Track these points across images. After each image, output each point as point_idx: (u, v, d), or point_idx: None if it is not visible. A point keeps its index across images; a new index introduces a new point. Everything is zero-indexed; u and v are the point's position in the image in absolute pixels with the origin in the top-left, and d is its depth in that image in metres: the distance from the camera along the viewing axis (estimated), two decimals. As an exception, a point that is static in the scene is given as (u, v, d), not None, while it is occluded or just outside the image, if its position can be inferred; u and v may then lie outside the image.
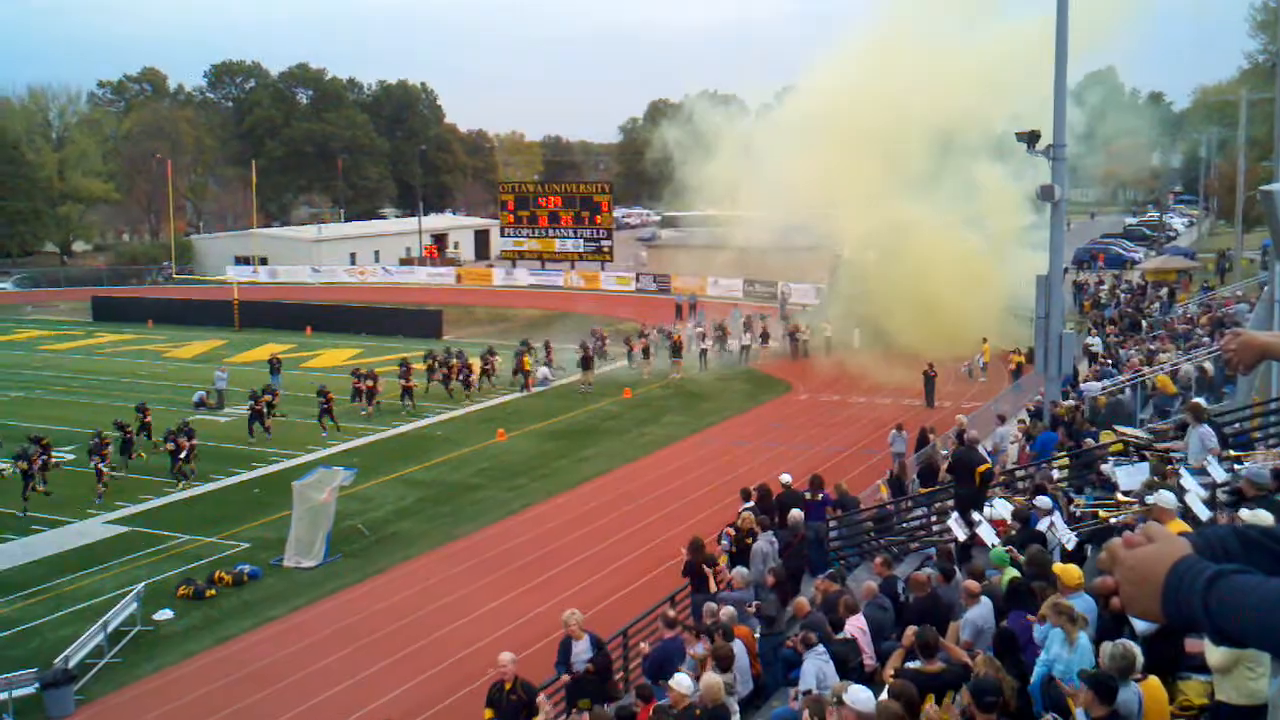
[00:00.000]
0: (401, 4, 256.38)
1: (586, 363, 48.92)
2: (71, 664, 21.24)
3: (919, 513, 23.50)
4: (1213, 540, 2.15)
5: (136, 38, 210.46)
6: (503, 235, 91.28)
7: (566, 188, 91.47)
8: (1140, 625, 9.65)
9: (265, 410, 39.90)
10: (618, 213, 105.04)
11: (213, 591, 26.00)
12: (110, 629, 22.91)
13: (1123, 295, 61.43)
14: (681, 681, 12.64)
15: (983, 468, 19.61)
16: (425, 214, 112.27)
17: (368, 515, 31.57)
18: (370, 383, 43.82)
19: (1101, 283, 67.47)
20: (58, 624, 24.34)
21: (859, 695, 10.05)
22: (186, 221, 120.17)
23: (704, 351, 53.33)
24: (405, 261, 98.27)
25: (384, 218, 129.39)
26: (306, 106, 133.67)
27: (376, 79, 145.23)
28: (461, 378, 47.15)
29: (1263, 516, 9.87)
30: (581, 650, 15.31)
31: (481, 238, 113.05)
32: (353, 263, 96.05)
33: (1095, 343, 43.15)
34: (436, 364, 47.46)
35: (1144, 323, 49.64)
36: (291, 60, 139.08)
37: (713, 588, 18.73)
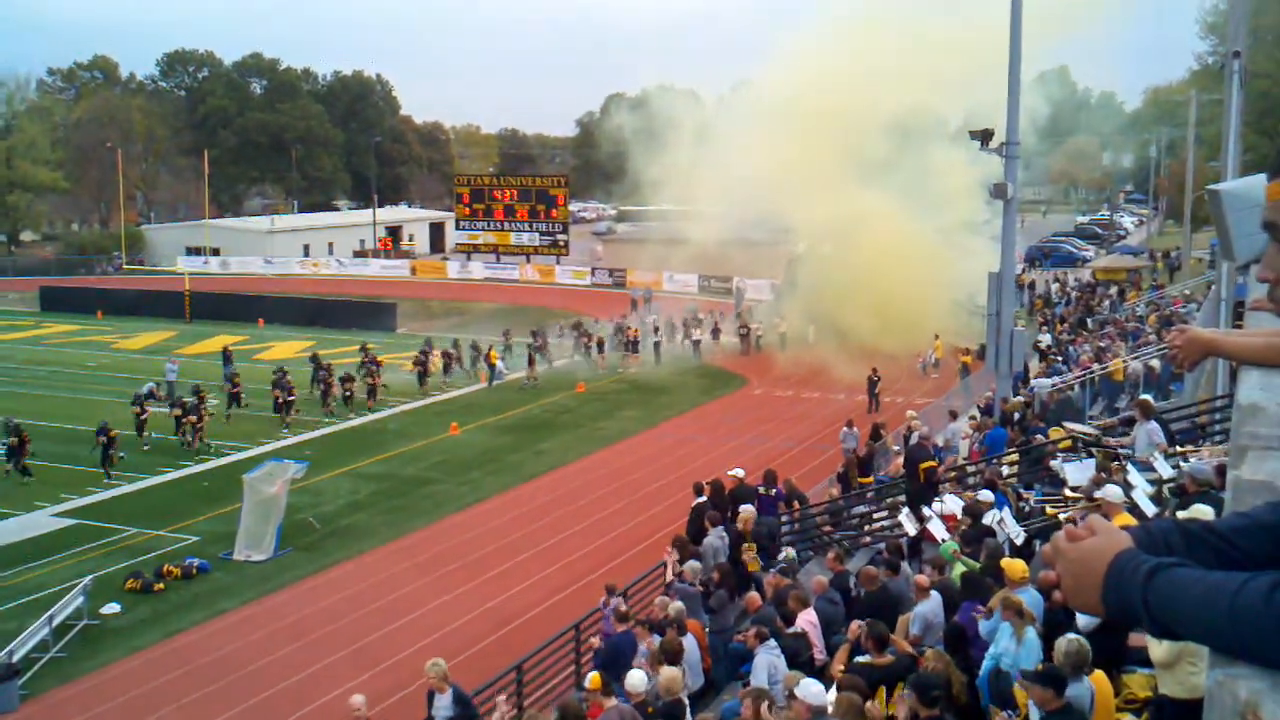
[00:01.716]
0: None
1: (531, 359, 48.92)
2: (16, 658, 21.00)
3: (866, 508, 23.62)
4: (1154, 534, 2.16)
5: (87, 24, 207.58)
6: (458, 228, 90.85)
7: (522, 181, 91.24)
8: (1083, 619, 9.77)
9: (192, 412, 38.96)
10: (574, 207, 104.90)
11: (161, 585, 25.76)
12: (56, 623, 22.63)
13: (1073, 293, 62.07)
14: (635, 678, 12.63)
15: (925, 465, 19.78)
16: (380, 206, 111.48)
17: (320, 509, 31.37)
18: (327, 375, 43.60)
19: (1056, 280, 68.12)
20: (2, 618, 24.02)
21: (810, 689, 10.09)
22: (137, 212, 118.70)
23: (658, 345, 53.37)
24: (359, 254, 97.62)
25: (338, 209, 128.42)
26: (260, 97, 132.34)
27: (331, 69, 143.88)
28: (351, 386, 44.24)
29: (1203, 511, 9.99)
30: (444, 705, 14.36)
31: (436, 230, 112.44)
32: (306, 254, 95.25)
33: (1045, 339, 43.59)
34: (321, 371, 44.63)
35: (1092, 320, 50.18)
36: (245, 50, 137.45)
37: (668, 577, 18.74)
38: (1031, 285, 66.50)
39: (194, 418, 37.47)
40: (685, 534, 20.20)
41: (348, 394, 43.06)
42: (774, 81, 60.70)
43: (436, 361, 48.14)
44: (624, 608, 17.02)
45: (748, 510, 20.11)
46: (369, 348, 48.39)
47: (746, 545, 18.35)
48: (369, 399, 43.60)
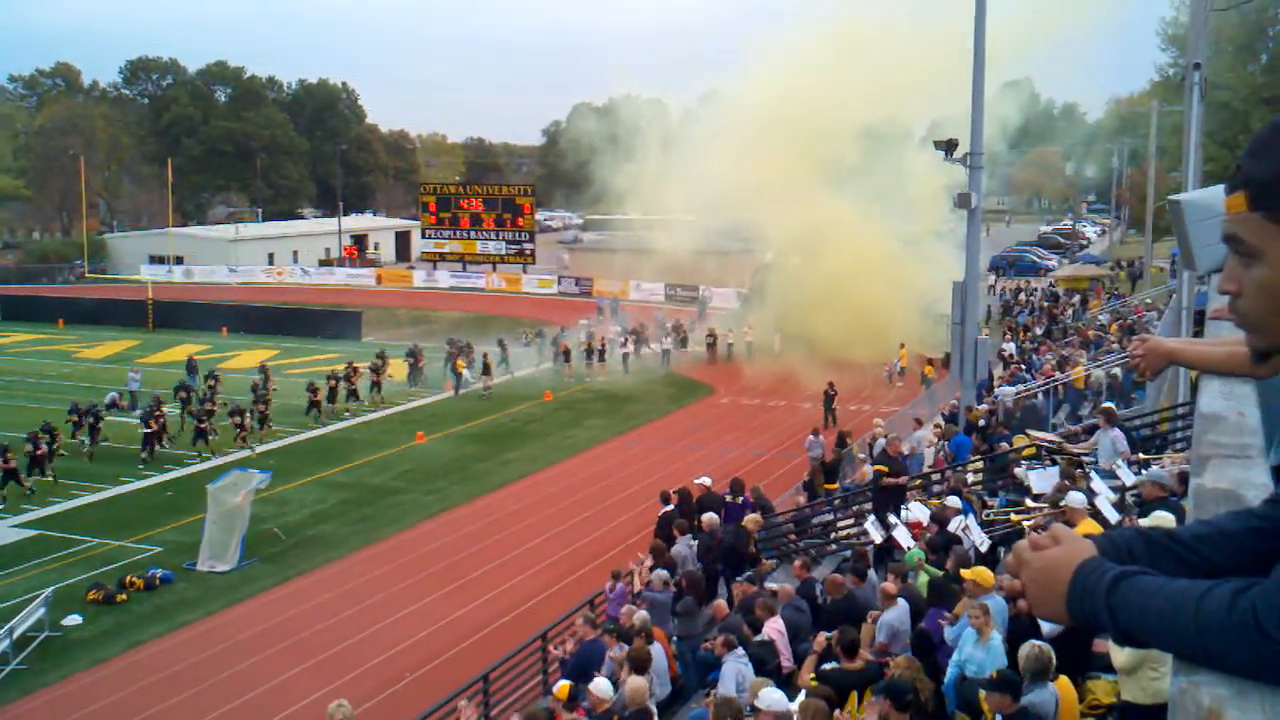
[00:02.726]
0: (322, 3, 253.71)
1: (486, 368, 48.57)
2: (-24, 671, 20.74)
3: (832, 516, 23.69)
4: (1118, 542, 2.18)
5: (50, 31, 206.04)
6: (424, 237, 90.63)
7: (489, 190, 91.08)
8: (1047, 626, 9.85)
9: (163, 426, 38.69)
10: (540, 216, 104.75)
11: (124, 596, 25.53)
12: (16, 635, 22.40)
13: (1038, 302, 62.50)
14: (600, 686, 12.61)
15: (887, 480, 19.94)
16: (345, 215, 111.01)
17: (285, 518, 31.19)
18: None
19: (1020, 289, 68.60)
20: (-38, 630, 23.74)
21: (771, 696, 10.12)
22: (100, 220, 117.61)
23: (626, 355, 53.36)
24: (324, 262, 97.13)
25: (303, 218, 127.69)
26: (225, 105, 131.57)
27: (297, 78, 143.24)
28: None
29: (1164, 518, 10.09)
30: None
31: (402, 239, 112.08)
32: (271, 263, 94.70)
33: (1009, 348, 43.86)
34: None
35: (1055, 329, 50.57)
36: (209, 57, 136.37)
37: (637, 586, 18.73)
38: (1005, 292, 67.23)
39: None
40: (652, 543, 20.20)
41: (316, 401, 43.13)
42: (742, 90, 60.92)
43: (399, 371, 48.13)
44: (592, 615, 17.01)
45: (712, 518, 20.13)
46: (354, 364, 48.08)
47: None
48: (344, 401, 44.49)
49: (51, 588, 24.74)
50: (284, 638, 23.57)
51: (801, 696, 10.75)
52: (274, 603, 25.62)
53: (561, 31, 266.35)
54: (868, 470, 24.59)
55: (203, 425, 37.59)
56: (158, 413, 37.95)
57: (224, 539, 27.80)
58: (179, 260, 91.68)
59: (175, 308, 69.03)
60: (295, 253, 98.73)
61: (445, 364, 50.07)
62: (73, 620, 24.19)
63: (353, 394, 44.95)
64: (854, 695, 11.02)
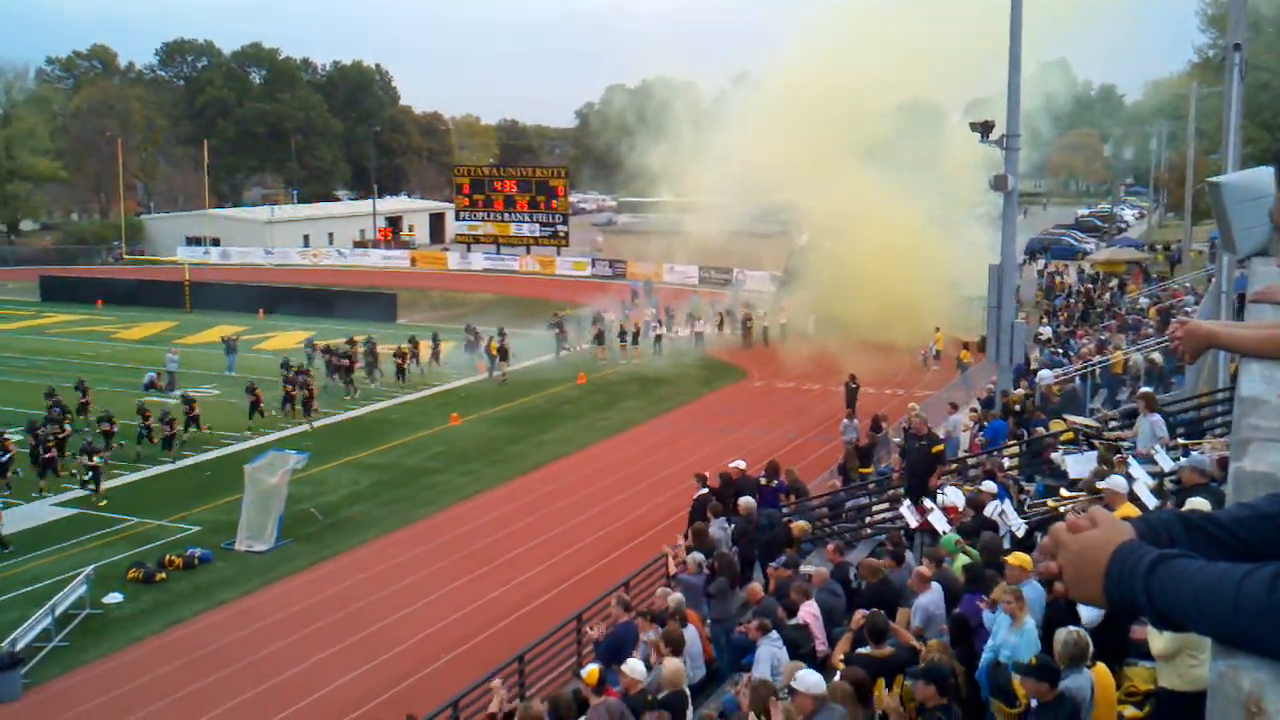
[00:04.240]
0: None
1: (503, 354, 48.07)
2: (18, 648, 21.03)
3: (867, 500, 23.63)
4: (1156, 525, 2.18)
5: (86, 14, 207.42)
6: (457, 219, 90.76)
7: (522, 172, 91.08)
8: (1087, 614, 9.80)
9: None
10: (574, 198, 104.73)
11: (163, 575, 25.80)
12: (58, 612, 22.68)
13: (1076, 286, 62.03)
14: (634, 667, 12.64)
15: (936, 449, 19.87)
16: (379, 196, 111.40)
17: (321, 499, 31.40)
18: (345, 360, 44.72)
19: (1056, 272, 68.11)
20: (4, 607, 24.06)
21: (808, 679, 10.12)
22: (137, 201, 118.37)
23: (659, 338, 53.32)
24: (359, 244, 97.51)
25: (338, 200, 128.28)
26: (259, 86, 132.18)
27: (331, 60, 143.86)
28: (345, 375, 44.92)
29: (1200, 505, 10.00)
30: None
31: (436, 221, 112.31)
32: (306, 245, 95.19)
33: (1046, 331, 43.56)
34: (335, 357, 45.75)
35: (1092, 313, 50.18)
36: (244, 39, 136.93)
37: (672, 569, 18.77)
38: (1042, 276, 66.86)
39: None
40: (688, 526, 20.23)
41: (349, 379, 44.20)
42: (776, 70, 60.64)
43: (424, 353, 48.39)
44: (626, 597, 17.05)
45: (748, 501, 20.13)
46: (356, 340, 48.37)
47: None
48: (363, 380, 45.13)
49: (92, 566, 25.05)
50: (319, 617, 23.76)
51: (834, 680, 10.75)
52: (310, 583, 25.83)
53: (595, 12, 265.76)
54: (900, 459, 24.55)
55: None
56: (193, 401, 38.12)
57: (261, 519, 28.03)
58: (215, 242, 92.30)
59: (211, 289, 69.54)
60: (330, 234, 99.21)
61: (467, 348, 50.15)
62: (113, 598, 24.48)
63: (400, 371, 46.18)
64: (881, 681, 11.01)
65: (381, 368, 46.59)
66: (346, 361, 45.09)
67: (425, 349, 48.45)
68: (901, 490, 21.08)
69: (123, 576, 25.63)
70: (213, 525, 29.28)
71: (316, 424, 38.94)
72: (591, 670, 12.91)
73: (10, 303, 71.40)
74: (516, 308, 64.02)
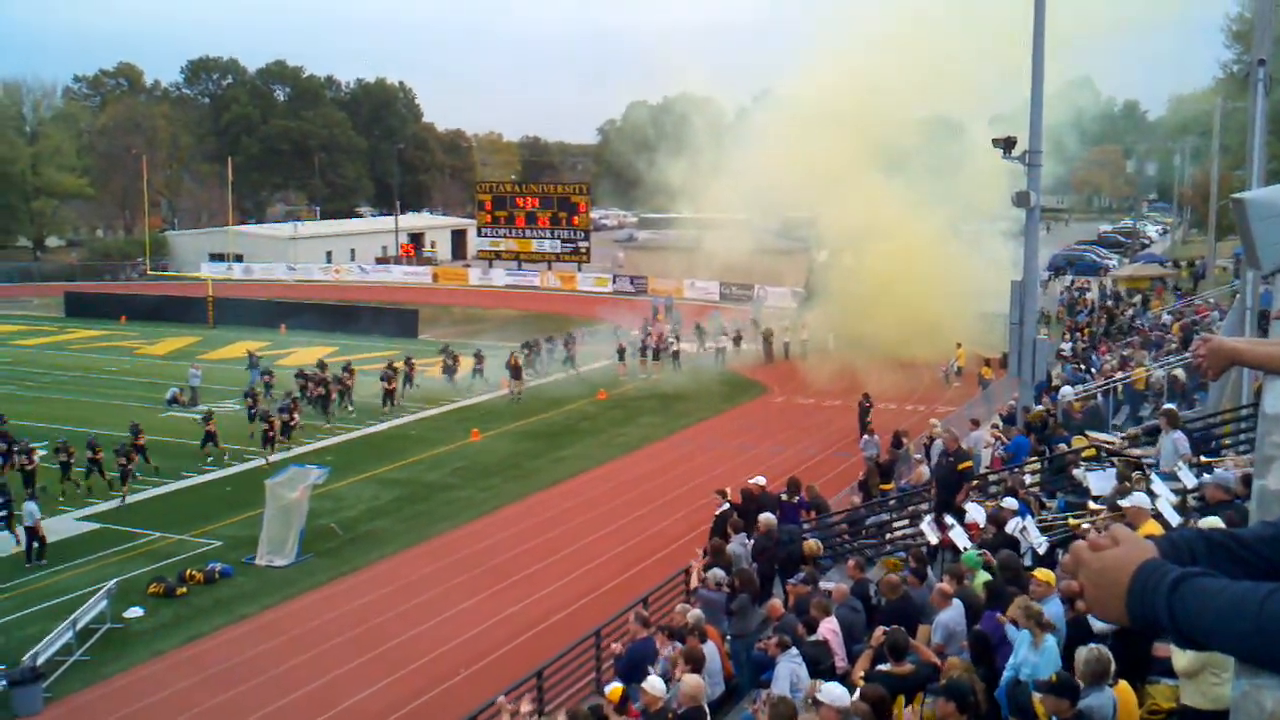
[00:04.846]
0: (380, 3, 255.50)
1: (516, 371, 47.36)
2: (40, 661, 21.09)
3: (888, 516, 23.57)
4: (1178, 543, 2.16)
5: (113, 32, 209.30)
6: (479, 235, 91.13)
7: (544, 188, 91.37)
8: (1098, 626, 9.73)
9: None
10: (595, 214, 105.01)
11: (184, 589, 25.88)
12: (80, 626, 22.76)
13: (1097, 302, 61.79)
14: (654, 684, 12.60)
15: (963, 465, 19.79)
16: (402, 213, 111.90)
17: (341, 514, 31.47)
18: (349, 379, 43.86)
19: (1081, 288, 67.89)
20: (26, 621, 24.16)
21: (834, 692, 10.08)
22: (161, 218, 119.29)
23: (677, 354, 53.31)
24: (381, 260, 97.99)
25: (360, 216, 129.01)
26: (284, 104, 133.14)
27: (354, 77, 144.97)
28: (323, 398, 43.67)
29: (1219, 524, 9.92)
30: None
31: (458, 237, 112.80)
32: (328, 261, 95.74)
33: (1067, 348, 43.40)
34: (309, 382, 44.17)
35: (1114, 329, 49.97)
36: (269, 57, 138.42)
37: (693, 584, 18.72)
38: (1064, 292, 66.62)
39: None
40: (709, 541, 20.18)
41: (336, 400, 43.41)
42: (798, 84, 60.68)
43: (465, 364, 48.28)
44: (645, 613, 17.01)
45: (768, 518, 20.08)
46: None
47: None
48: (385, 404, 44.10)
49: (114, 580, 25.15)
50: (340, 632, 23.78)
51: (854, 696, 10.71)
52: (330, 597, 25.86)
53: (619, 29, 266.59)
54: (924, 471, 24.46)
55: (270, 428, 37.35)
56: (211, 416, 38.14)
57: (282, 534, 28.11)
58: (238, 258, 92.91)
59: (235, 305, 69.92)
60: (353, 251, 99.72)
61: (445, 370, 49.15)
62: (134, 612, 24.55)
63: (388, 395, 44.52)
64: (901, 699, 10.95)
65: (352, 398, 44.41)
66: (322, 390, 43.53)
67: (438, 366, 48.40)
68: (927, 506, 21.01)
69: (144, 591, 25.71)
70: (234, 540, 29.37)
71: (273, 458, 36.96)
72: (615, 688, 12.87)
73: (35, 318, 71.95)
74: (540, 323, 64.06)
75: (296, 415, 39.06)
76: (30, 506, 28.17)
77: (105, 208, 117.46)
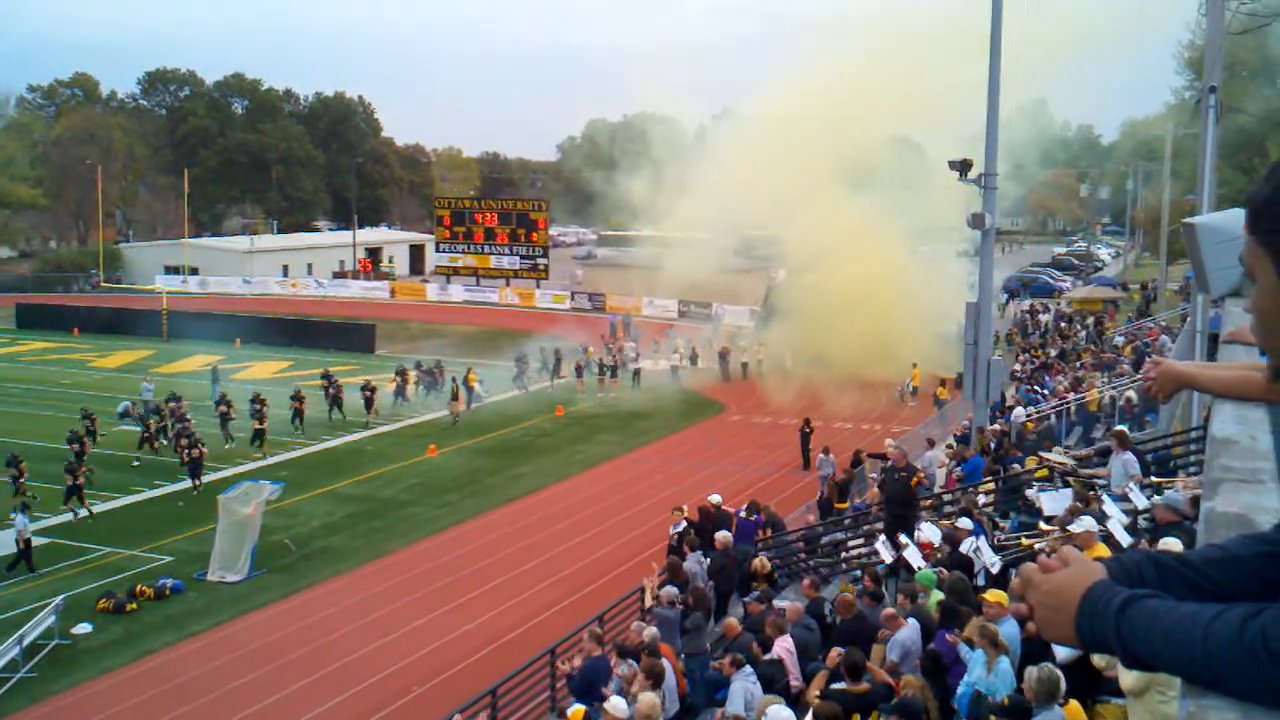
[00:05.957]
0: (339, 16, 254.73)
1: (455, 393, 46.46)
2: (-15, 678, 20.77)
3: (843, 535, 23.64)
4: (1128, 565, 2.18)
5: (69, 42, 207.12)
6: (438, 250, 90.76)
7: (503, 204, 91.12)
8: (1062, 652, 9.80)
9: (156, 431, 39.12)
10: (554, 231, 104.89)
11: (134, 605, 25.57)
12: (26, 643, 22.41)
13: (1050, 324, 62.39)
14: (616, 705, 12.57)
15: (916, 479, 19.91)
16: (360, 227, 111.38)
17: (295, 530, 31.21)
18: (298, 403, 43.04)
19: (1038, 310, 68.48)
20: (-28, 637, 23.79)
21: (780, 714, 10.09)
22: (116, 230, 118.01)
23: (637, 371, 53.31)
24: (339, 275, 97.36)
25: (318, 230, 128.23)
26: (241, 117, 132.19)
27: (313, 91, 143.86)
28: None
29: (1172, 545, 10.03)
30: None
31: (416, 252, 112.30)
32: (285, 275, 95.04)
33: (1019, 369, 43.80)
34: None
35: (1067, 350, 50.45)
36: (227, 70, 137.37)
37: (648, 602, 18.69)
38: (1018, 314, 67.20)
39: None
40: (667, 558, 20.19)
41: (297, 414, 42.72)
42: (760, 104, 61.02)
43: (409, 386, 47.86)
44: (599, 630, 16.97)
45: (724, 536, 20.11)
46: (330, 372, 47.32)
47: None
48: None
49: (62, 596, 24.78)
50: (292, 649, 23.57)
51: (809, 716, 10.72)
52: (283, 614, 25.63)
53: (580, 46, 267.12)
54: (878, 491, 24.58)
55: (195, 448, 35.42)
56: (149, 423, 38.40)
57: (234, 550, 27.84)
58: (194, 271, 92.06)
59: (189, 318, 69.15)
60: (309, 265, 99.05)
61: (396, 392, 47.88)
62: (83, 629, 24.23)
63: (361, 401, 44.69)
64: (857, 717, 10.98)
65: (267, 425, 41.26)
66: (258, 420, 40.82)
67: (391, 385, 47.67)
68: (880, 524, 21.10)
69: (93, 607, 25.38)
70: (185, 555, 29.06)
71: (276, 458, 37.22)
72: (577, 710, 12.82)
73: (-15, 329, 70.97)
74: (498, 340, 63.83)
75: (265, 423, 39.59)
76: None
77: (59, 219, 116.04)
